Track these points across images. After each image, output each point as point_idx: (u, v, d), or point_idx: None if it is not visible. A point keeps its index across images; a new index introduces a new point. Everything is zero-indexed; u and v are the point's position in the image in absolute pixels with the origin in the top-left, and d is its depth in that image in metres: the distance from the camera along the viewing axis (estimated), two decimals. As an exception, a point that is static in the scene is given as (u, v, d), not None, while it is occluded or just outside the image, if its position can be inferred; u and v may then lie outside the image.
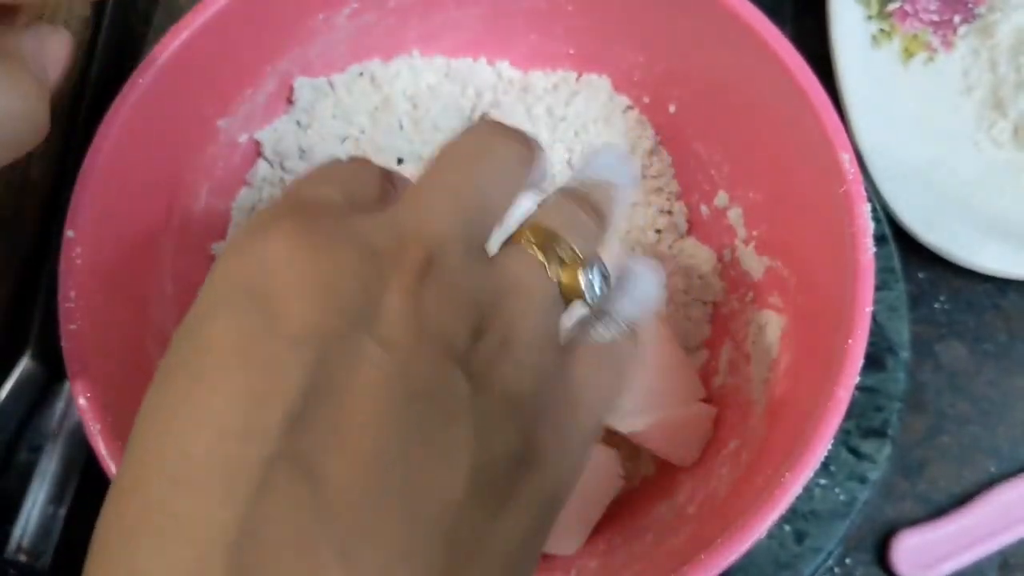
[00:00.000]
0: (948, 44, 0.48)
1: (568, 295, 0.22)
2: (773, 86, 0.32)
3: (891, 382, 0.40)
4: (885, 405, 0.39)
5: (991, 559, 0.41)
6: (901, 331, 0.40)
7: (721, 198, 0.38)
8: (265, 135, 0.39)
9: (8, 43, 0.23)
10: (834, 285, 0.30)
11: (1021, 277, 0.43)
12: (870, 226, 0.30)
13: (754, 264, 0.37)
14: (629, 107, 0.40)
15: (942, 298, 0.45)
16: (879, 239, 0.41)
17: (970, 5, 0.48)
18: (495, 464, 0.19)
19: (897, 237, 0.42)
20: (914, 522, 0.41)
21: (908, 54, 0.47)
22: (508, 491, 0.19)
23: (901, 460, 0.42)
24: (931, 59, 0.48)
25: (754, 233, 0.37)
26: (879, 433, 0.39)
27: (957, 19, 0.48)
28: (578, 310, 0.23)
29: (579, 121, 0.39)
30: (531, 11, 0.38)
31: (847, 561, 0.41)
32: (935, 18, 0.48)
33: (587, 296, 0.23)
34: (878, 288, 0.41)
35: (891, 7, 0.47)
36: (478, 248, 0.21)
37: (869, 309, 0.29)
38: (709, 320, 0.38)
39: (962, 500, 0.42)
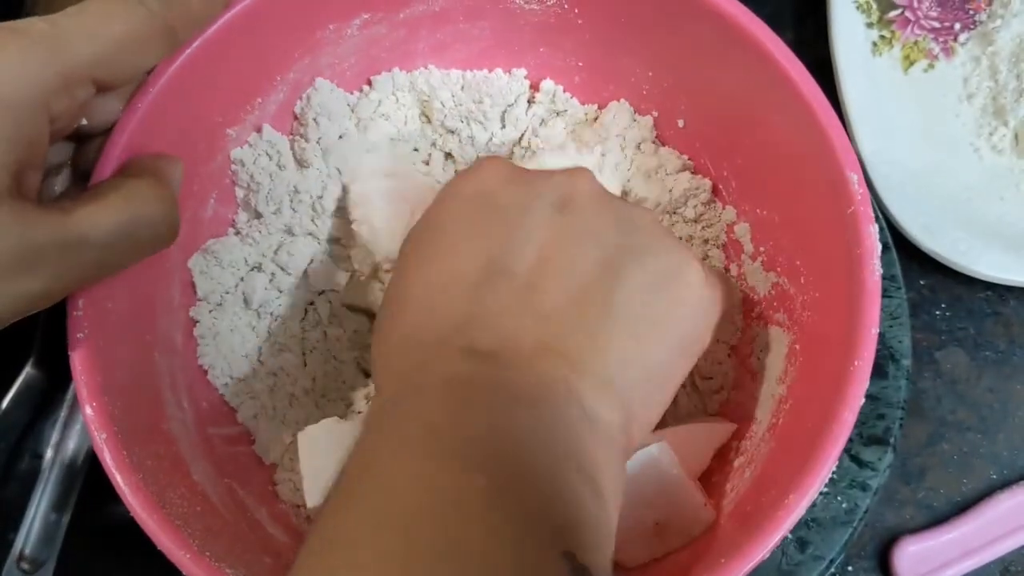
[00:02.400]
0: (948, 51, 0.48)
1: None
2: (782, 104, 0.33)
3: (893, 390, 0.40)
4: (887, 413, 0.39)
5: (992, 566, 0.41)
6: (902, 339, 0.40)
7: (728, 213, 0.39)
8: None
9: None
10: (841, 305, 0.30)
11: (1021, 284, 0.43)
12: (877, 247, 0.30)
13: (760, 280, 0.37)
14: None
15: (943, 305, 0.45)
16: (881, 246, 0.42)
17: (970, 12, 0.48)
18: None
19: (898, 244, 0.42)
20: (915, 529, 0.42)
21: (909, 61, 0.48)
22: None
23: (902, 467, 0.43)
24: (931, 66, 0.48)
25: (761, 249, 0.37)
26: (881, 441, 0.39)
27: (957, 26, 0.48)
28: None
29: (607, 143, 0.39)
30: (541, 25, 0.38)
31: (849, 568, 0.41)
32: (936, 25, 0.48)
33: None
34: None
35: (892, 14, 0.47)
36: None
37: (876, 331, 0.29)
38: (728, 355, 0.38)
39: (963, 507, 0.42)
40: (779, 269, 0.36)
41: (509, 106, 0.40)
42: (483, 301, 0.27)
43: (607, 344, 0.27)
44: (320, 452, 0.34)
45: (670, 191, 0.39)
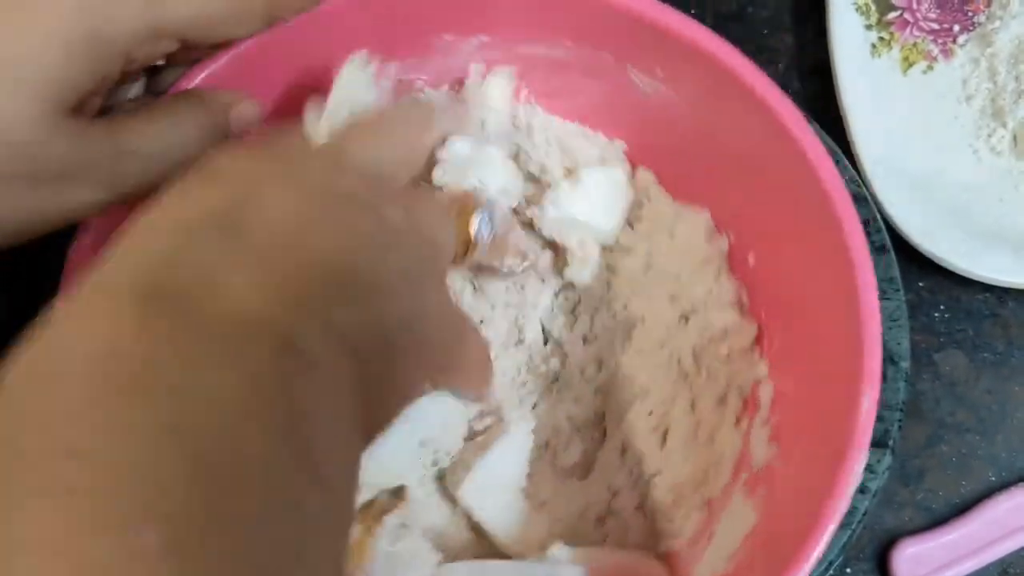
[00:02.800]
0: (947, 53, 0.48)
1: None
2: (780, 157, 0.33)
3: (891, 392, 0.40)
4: (885, 415, 0.39)
5: (991, 568, 0.41)
6: (901, 341, 0.40)
7: (761, 368, 0.37)
8: None
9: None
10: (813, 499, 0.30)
11: (1020, 286, 0.43)
12: (878, 322, 0.30)
13: (761, 450, 0.35)
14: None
15: (941, 307, 0.45)
16: (879, 248, 0.42)
17: (969, 14, 0.48)
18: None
19: (896, 246, 0.42)
20: (914, 531, 0.42)
21: (907, 63, 0.48)
22: None
23: (901, 469, 0.43)
24: (930, 68, 0.48)
25: (774, 419, 0.36)
26: (880, 444, 0.39)
27: (956, 28, 0.48)
28: None
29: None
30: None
31: (848, 571, 0.41)
32: (934, 27, 0.48)
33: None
34: (878, 299, 0.41)
35: (890, 16, 0.47)
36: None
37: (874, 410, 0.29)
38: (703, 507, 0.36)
39: (962, 509, 0.42)
40: (780, 445, 0.34)
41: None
42: (197, 246, 0.21)
43: (344, 303, 0.22)
44: None
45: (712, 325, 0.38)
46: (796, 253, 0.35)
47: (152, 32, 0.26)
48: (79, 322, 0.19)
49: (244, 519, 0.18)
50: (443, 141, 0.36)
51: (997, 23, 0.47)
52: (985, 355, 0.44)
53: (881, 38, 0.47)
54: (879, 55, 0.47)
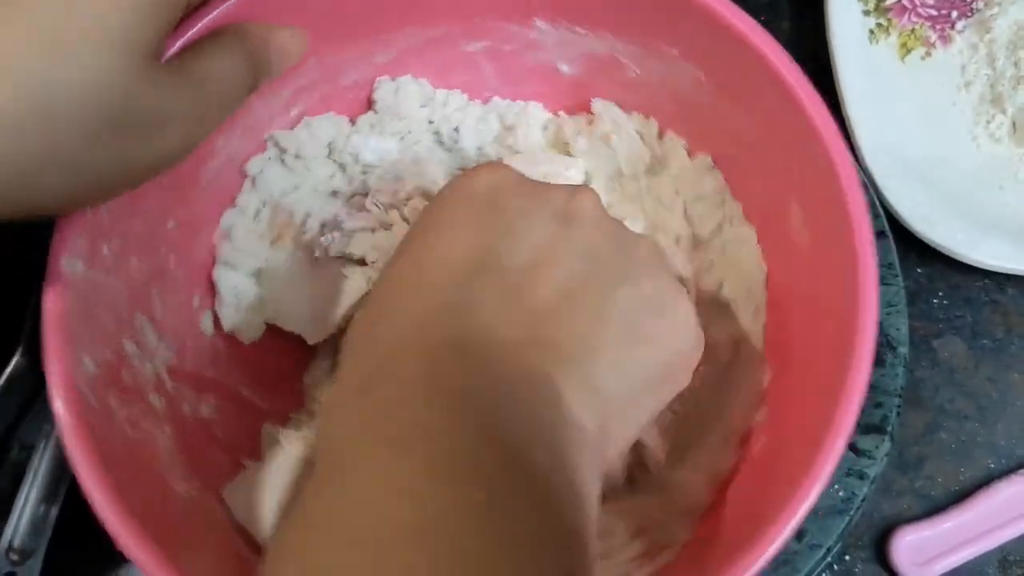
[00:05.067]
0: (946, 39, 0.48)
1: None
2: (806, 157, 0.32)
3: (890, 378, 0.39)
4: (884, 401, 0.39)
5: (990, 555, 0.41)
6: (900, 327, 0.40)
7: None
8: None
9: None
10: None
11: (1019, 272, 0.43)
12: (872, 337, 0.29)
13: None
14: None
15: (940, 294, 0.45)
16: (878, 234, 0.41)
17: (967, 0, 0.48)
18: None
19: (895, 233, 0.42)
20: (913, 519, 0.41)
21: (905, 49, 0.47)
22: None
23: (899, 457, 0.42)
24: (928, 54, 0.47)
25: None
26: (878, 429, 0.39)
27: (955, 14, 0.47)
28: None
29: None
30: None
31: (846, 558, 0.41)
32: (932, 13, 0.48)
33: None
34: (876, 284, 0.41)
35: (888, 2, 0.47)
36: None
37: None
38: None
39: (961, 497, 0.42)
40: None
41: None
42: (470, 290, 0.26)
43: (597, 348, 0.26)
44: (249, 502, 0.33)
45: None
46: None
47: None
48: (383, 372, 0.25)
49: (538, 495, 0.22)
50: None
51: (995, 9, 0.47)
52: (984, 342, 0.44)
53: (879, 24, 0.47)
54: (877, 41, 0.47)
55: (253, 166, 0.37)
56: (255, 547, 0.33)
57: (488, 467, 0.22)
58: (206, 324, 0.37)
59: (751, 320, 0.35)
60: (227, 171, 0.36)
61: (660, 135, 0.38)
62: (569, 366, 0.25)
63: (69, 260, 0.30)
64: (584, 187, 0.30)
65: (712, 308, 0.36)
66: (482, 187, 0.29)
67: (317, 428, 0.25)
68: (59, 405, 0.28)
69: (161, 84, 0.25)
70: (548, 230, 0.28)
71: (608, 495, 0.34)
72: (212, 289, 0.37)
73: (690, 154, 0.38)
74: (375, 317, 0.27)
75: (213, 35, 0.30)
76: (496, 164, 0.30)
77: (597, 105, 0.39)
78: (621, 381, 0.26)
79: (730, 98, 0.34)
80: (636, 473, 0.35)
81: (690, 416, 0.35)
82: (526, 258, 0.27)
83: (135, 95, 0.24)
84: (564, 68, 0.38)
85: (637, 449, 0.35)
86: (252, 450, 0.36)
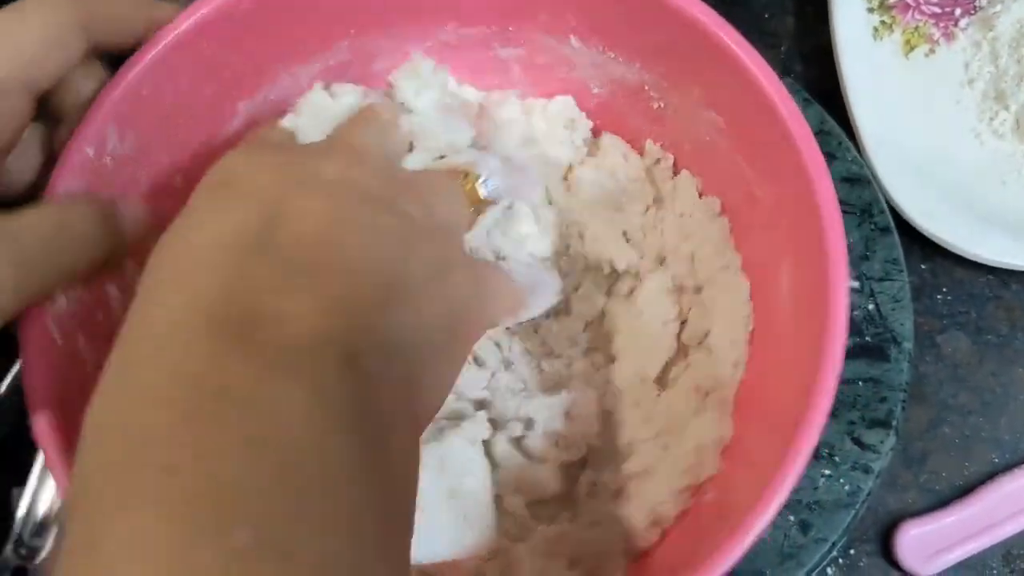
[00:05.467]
0: (949, 36, 0.48)
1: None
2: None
3: (895, 372, 0.40)
4: (889, 396, 0.39)
5: (994, 550, 0.41)
6: (904, 322, 0.40)
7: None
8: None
9: None
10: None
11: (1023, 268, 0.43)
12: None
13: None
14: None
15: (944, 289, 0.45)
16: (883, 230, 0.42)
17: (971, -3, 0.48)
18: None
19: (899, 228, 0.42)
20: (917, 513, 0.41)
21: (909, 46, 0.47)
22: None
23: (904, 451, 0.42)
24: (932, 51, 0.48)
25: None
26: (883, 424, 0.39)
27: (958, 11, 0.48)
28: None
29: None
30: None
31: (851, 552, 0.41)
32: (936, 10, 0.48)
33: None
34: (881, 279, 0.41)
35: (892, -1, 0.47)
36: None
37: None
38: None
39: (965, 491, 0.42)
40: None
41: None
42: (247, 272, 0.23)
43: (387, 306, 0.24)
44: None
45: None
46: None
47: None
48: (157, 355, 0.21)
49: (329, 517, 0.19)
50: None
51: (999, 6, 0.47)
52: (988, 338, 0.44)
53: (883, 21, 0.47)
54: (881, 38, 0.47)
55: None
56: None
57: (250, 500, 0.18)
58: None
59: (730, 372, 0.34)
60: (243, 134, 0.36)
61: (675, 171, 0.38)
62: (363, 323, 0.23)
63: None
64: (341, 129, 0.31)
65: (694, 353, 0.36)
66: (247, 158, 0.27)
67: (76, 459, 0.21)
68: (25, 336, 0.28)
69: None
70: (315, 196, 0.25)
71: (550, 517, 0.34)
72: None
73: (701, 195, 0.37)
74: (146, 296, 0.23)
75: (63, 197, 0.30)
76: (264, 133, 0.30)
77: (606, 140, 0.39)
78: (416, 334, 0.25)
79: (745, 153, 0.34)
80: (581, 501, 0.35)
81: (646, 450, 0.35)
82: (298, 231, 0.24)
83: None
84: (595, 89, 0.38)
85: (571, 472, 0.35)
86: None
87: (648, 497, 0.33)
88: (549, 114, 0.39)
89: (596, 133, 0.40)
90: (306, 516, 0.19)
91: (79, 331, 0.31)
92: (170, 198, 0.34)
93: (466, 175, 0.32)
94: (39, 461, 0.39)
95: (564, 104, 0.39)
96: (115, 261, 0.30)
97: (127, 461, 0.19)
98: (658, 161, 0.38)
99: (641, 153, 0.39)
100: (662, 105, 0.37)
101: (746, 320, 0.34)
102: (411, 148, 0.35)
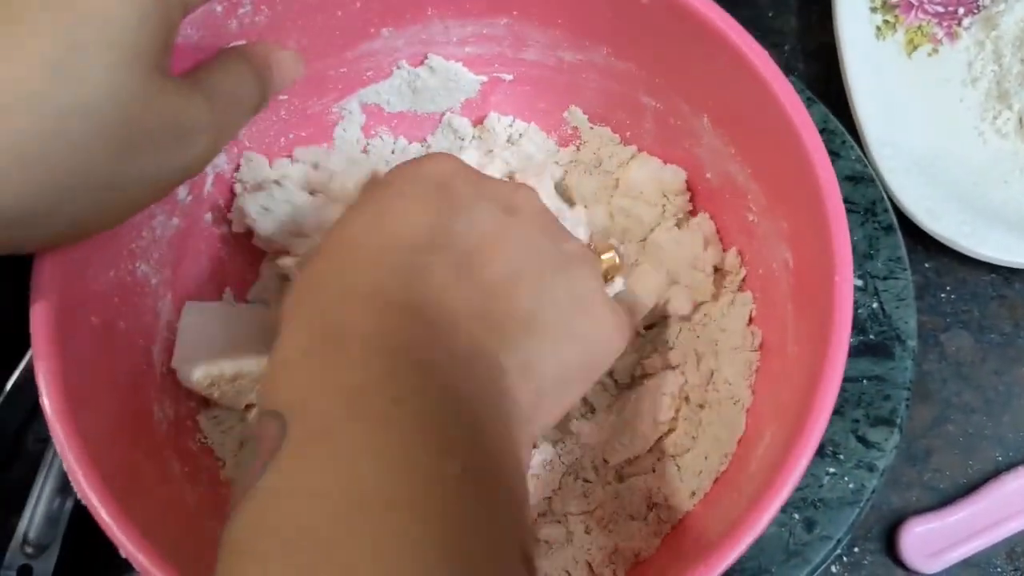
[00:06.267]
0: (952, 35, 0.48)
1: None
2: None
3: (899, 371, 0.40)
4: (893, 394, 0.39)
5: (998, 547, 0.41)
6: (908, 320, 0.40)
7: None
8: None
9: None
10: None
11: (1026, 267, 0.43)
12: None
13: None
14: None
15: (948, 288, 0.45)
16: (887, 229, 0.42)
17: (974, -3, 0.48)
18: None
19: (903, 227, 0.42)
20: (921, 511, 0.42)
21: (912, 45, 0.48)
22: None
23: (908, 449, 0.43)
24: (935, 50, 0.48)
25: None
26: (887, 422, 0.39)
27: (961, 11, 0.48)
28: None
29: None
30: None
31: (855, 550, 0.41)
32: (939, 9, 0.48)
33: None
34: (885, 278, 0.41)
35: (895, -1, 0.47)
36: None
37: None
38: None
39: (969, 489, 0.42)
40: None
41: None
42: (421, 260, 0.27)
43: (536, 331, 0.27)
44: (201, 326, 0.35)
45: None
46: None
47: None
48: (337, 371, 0.24)
49: (497, 469, 0.24)
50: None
51: (1002, 6, 0.47)
52: (991, 336, 0.44)
53: (886, 21, 0.47)
54: (884, 37, 0.47)
55: None
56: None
57: (456, 441, 0.23)
58: None
59: (685, 498, 0.34)
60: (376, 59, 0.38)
61: (740, 287, 0.37)
62: (511, 344, 0.27)
63: None
64: (525, 185, 0.32)
65: (661, 462, 0.36)
66: (431, 172, 0.30)
67: (261, 388, 0.25)
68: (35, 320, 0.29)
69: (174, 96, 0.25)
70: (494, 218, 0.29)
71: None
72: None
73: (751, 321, 0.36)
74: (319, 280, 0.27)
75: (219, 54, 0.30)
76: (445, 154, 0.31)
77: (699, 220, 0.38)
78: (555, 366, 0.28)
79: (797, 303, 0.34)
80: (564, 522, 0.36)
81: (575, 522, 0.35)
82: (473, 241, 0.28)
83: (151, 109, 0.24)
84: (708, 174, 0.38)
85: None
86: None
87: (624, 531, 0.34)
88: (660, 175, 0.39)
89: (693, 213, 0.39)
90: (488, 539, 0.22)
91: (92, 313, 0.31)
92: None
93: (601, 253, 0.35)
94: (45, 459, 0.39)
95: (675, 173, 0.38)
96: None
97: (355, 391, 0.23)
98: (729, 273, 0.38)
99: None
100: (756, 220, 0.36)
101: (724, 459, 0.34)
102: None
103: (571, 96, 0.39)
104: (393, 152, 0.40)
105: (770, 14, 0.49)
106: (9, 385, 0.39)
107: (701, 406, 0.36)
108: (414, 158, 0.31)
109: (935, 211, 0.43)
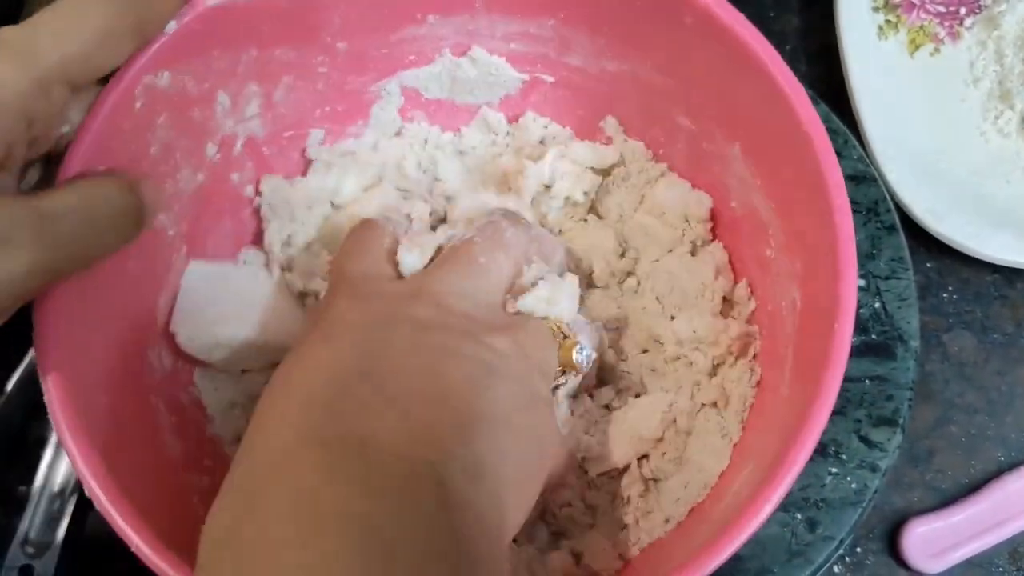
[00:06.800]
0: (954, 35, 0.48)
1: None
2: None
3: (901, 371, 0.40)
4: (895, 394, 0.39)
5: (1000, 547, 0.41)
6: (911, 320, 0.40)
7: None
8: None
9: None
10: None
11: (1028, 267, 0.43)
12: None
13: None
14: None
15: (950, 288, 0.45)
16: (889, 228, 0.42)
17: (976, -4, 0.48)
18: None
19: (905, 227, 0.42)
20: (923, 511, 0.41)
21: (914, 45, 0.48)
22: None
23: (910, 449, 0.43)
24: (937, 50, 0.48)
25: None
26: (890, 422, 0.39)
27: (963, 10, 0.48)
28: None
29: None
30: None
31: (858, 550, 0.41)
32: (941, 9, 0.48)
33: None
34: (887, 277, 0.41)
35: (897, -2, 0.47)
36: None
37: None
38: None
39: (971, 489, 0.42)
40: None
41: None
42: (345, 398, 0.27)
43: (475, 440, 0.27)
44: (203, 291, 0.35)
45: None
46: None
47: (36, 84, 0.26)
48: (274, 474, 0.25)
49: None
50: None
51: (1004, 6, 0.47)
52: (994, 336, 0.44)
53: (888, 20, 0.47)
54: (886, 37, 0.47)
55: None
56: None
57: None
58: None
59: (660, 526, 0.34)
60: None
61: (710, 236, 0.38)
62: (449, 455, 0.26)
63: None
64: (431, 275, 0.31)
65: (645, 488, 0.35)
66: (359, 274, 0.31)
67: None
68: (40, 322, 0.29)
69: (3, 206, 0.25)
70: (407, 333, 0.29)
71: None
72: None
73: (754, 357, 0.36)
74: (263, 420, 0.27)
75: (83, 174, 0.29)
76: (363, 239, 0.32)
77: (714, 248, 0.38)
78: (508, 468, 0.27)
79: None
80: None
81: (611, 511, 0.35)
82: (394, 364, 0.28)
83: None
84: (733, 203, 0.37)
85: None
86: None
87: (591, 553, 0.34)
88: (686, 199, 0.38)
89: (710, 238, 0.38)
90: None
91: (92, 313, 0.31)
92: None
93: (565, 337, 0.32)
94: (45, 459, 0.39)
95: (700, 200, 0.38)
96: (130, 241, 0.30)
97: (265, 564, 0.23)
98: (737, 304, 0.37)
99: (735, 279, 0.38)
100: (773, 256, 0.35)
101: (704, 490, 0.34)
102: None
103: (609, 106, 0.39)
104: (427, 141, 0.40)
105: (772, 14, 0.49)
106: (10, 385, 0.39)
107: (688, 433, 0.35)
108: (341, 251, 0.33)
109: (937, 211, 0.43)
